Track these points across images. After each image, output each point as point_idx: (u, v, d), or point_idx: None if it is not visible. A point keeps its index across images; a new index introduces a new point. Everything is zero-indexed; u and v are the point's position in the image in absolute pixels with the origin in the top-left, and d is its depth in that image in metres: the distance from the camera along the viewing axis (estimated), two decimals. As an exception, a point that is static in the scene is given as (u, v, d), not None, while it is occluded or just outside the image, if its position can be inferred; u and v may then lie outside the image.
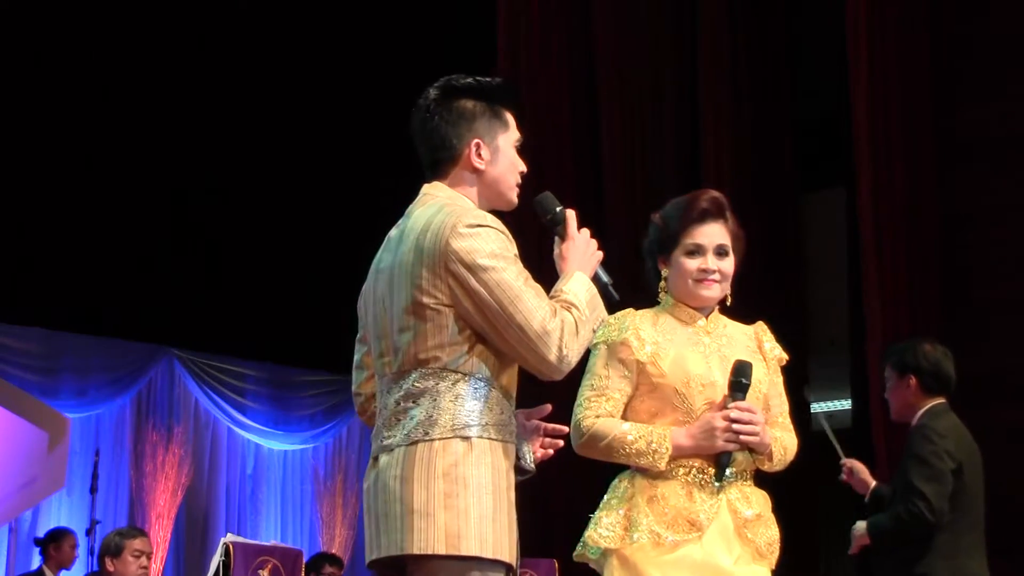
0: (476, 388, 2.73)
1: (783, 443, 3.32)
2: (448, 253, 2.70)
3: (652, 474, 3.22)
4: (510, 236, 2.77)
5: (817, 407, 10.85)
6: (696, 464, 3.22)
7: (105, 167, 10.18)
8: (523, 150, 2.98)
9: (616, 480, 3.34)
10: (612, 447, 3.23)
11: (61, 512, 10.07)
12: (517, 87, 2.96)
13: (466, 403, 2.71)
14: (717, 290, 3.33)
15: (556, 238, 2.97)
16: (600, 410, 3.27)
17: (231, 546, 5.84)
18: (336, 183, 10.75)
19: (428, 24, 10.64)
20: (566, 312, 2.73)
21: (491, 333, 2.71)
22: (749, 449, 3.25)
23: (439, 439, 2.68)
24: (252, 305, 10.67)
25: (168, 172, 10.46)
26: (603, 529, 3.24)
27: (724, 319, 3.42)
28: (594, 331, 2.83)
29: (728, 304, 3.40)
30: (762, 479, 3.38)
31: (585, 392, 3.31)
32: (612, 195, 9.40)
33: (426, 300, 2.72)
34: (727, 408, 3.20)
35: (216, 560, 5.85)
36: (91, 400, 10.59)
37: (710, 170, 8.99)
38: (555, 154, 9.32)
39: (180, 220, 10.65)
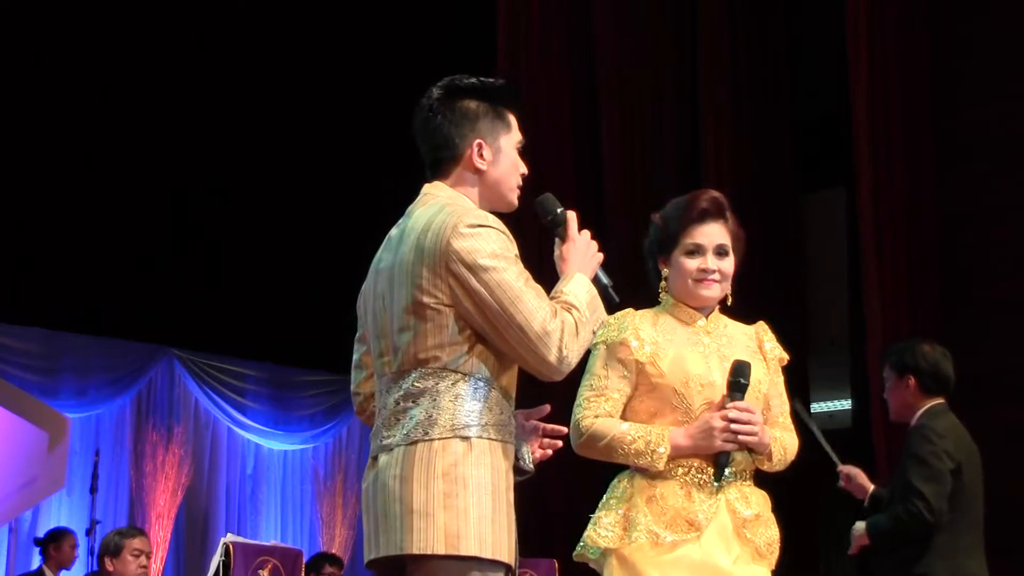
0: (476, 388, 2.73)
1: (783, 443, 3.32)
2: (449, 253, 2.69)
3: (651, 474, 3.22)
4: (511, 236, 2.77)
5: (817, 407, 10.85)
6: (695, 464, 3.22)
7: (105, 167, 10.18)
8: (523, 150, 2.98)
9: (615, 480, 3.34)
10: (611, 447, 3.23)
11: (61, 512, 10.07)
12: (519, 89, 2.96)
13: (466, 403, 2.71)
14: (717, 290, 3.33)
15: (557, 239, 2.97)
16: (599, 410, 3.27)
17: (231, 546, 5.84)
18: (336, 183, 10.75)
19: (428, 24, 10.64)
20: (566, 313, 2.73)
21: (491, 333, 2.71)
22: (748, 449, 3.25)
23: (439, 439, 2.68)
24: (252, 305, 10.67)
25: (168, 172, 10.46)
26: (602, 529, 3.24)
27: (725, 319, 3.42)
28: (594, 332, 2.83)
29: (729, 304, 3.40)
30: (762, 479, 3.38)
31: (584, 392, 3.32)
32: (612, 195, 9.40)
33: (426, 300, 2.72)
34: (726, 408, 3.21)
35: (216, 560, 5.85)
36: (91, 400, 10.59)
37: (710, 170, 8.99)
38: (555, 154, 9.32)
39: (180, 220, 10.65)
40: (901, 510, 4.60)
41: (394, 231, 2.89)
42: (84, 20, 9.99)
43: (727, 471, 3.22)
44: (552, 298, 2.77)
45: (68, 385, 10.49)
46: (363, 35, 10.87)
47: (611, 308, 3.03)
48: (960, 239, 7.94)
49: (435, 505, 2.64)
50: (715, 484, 3.21)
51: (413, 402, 2.73)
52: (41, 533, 9.18)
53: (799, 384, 6.80)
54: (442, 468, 2.66)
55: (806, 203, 9.69)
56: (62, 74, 10.00)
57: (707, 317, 3.37)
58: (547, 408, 3.01)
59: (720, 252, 3.32)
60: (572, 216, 2.97)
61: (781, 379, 3.43)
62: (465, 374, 2.72)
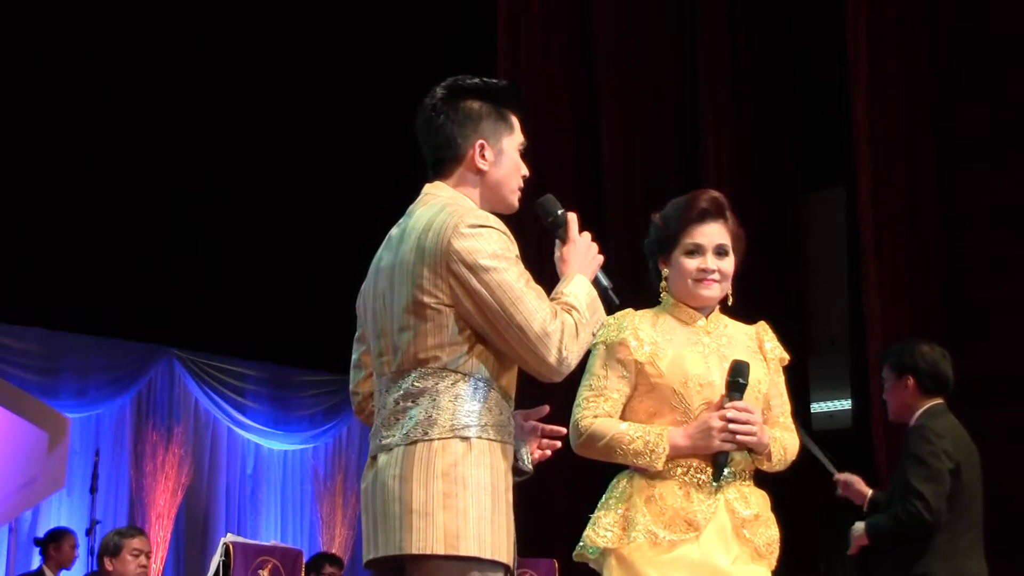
0: (475, 388, 2.73)
1: (783, 443, 3.32)
2: (450, 253, 2.69)
3: (650, 474, 3.23)
4: (512, 237, 2.77)
5: (817, 407, 10.85)
6: (694, 464, 3.22)
7: (105, 167, 10.19)
8: (524, 151, 2.98)
9: (615, 480, 3.34)
10: (610, 447, 3.24)
11: (61, 512, 10.07)
12: (520, 91, 2.94)
13: (465, 403, 2.71)
14: (717, 290, 3.33)
15: (557, 241, 2.97)
16: (598, 410, 3.28)
17: (231, 546, 5.84)
18: (336, 183, 10.75)
19: (428, 24, 10.64)
20: (566, 314, 2.73)
21: (491, 334, 2.71)
22: (748, 449, 3.25)
23: (438, 439, 2.68)
24: (252, 305, 10.67)
25: (168, 172, 10.46)
26: (601, 529, 3.25)
27: (725, 319, 3.42)
28: (593, 334, 2.83)
29: (729, 304, 3.40)
30: (762, 479, 3.38)
31: (584, 392, 3.32)
32: (612, 195, 9.40)
33: (427, 299, 2.72)
34: (724, 408, 3.21)
35: (216, 560, 5.85)
36: (91, 400, 10.59)
37: (710, 170, 9.00)
38: (555, 154, 9.32)
39: (180, 220, 10.65)
40: (900, 510, 4.61)
41: (395, 230, 2.89)
42: (84, 20, 9.99)
43: (726, 471, 3.22)
44: (552, 299, 2.77)
45: (68, 385, 10.49)
46: (363, 35, 10.87)
47: (611, 310, 3.04)
48: (960, 239, 7.94)
49: (434, 505, 2.63)
50: (714, 484, 3.21)
51: (413, 402, 2.73)
52: (41, 533, 9.18)
53: (799, 384, 6.80)
54: (442, 468, 2.66)
55: (806, 203, 9.69)
56: (62, 74, 10.00)
57: (707, 317, 3.37)
58: (546, 409, 3.01)
59: (720, 252, 3.32)
60: (573, 218, 2.97)
61: (782, 379, 3.42)
62: (465, 374, 2.72)
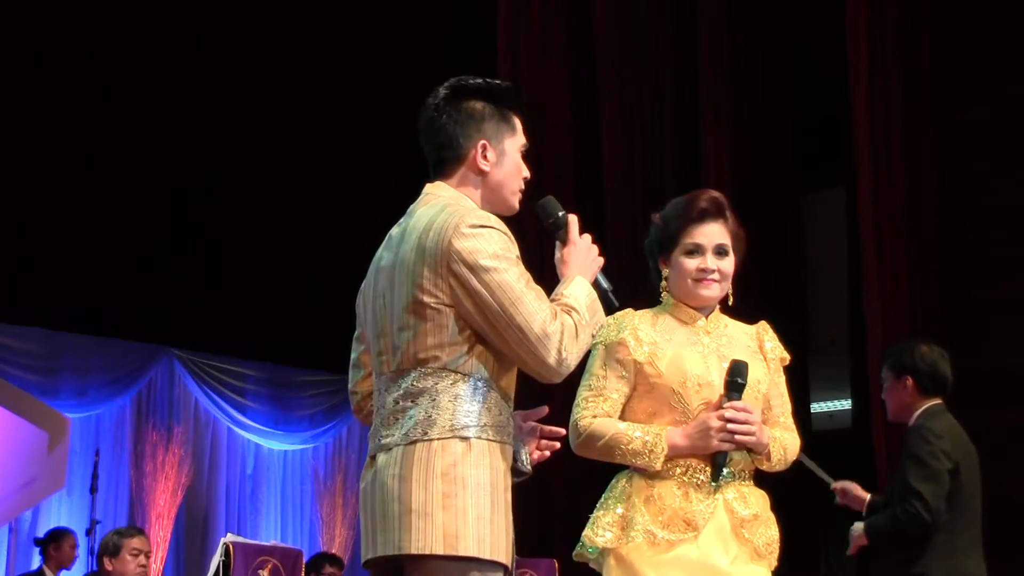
0: (475, 389, 2.72)
1: (783, 443, 3.32)
2: (450, 253, 2.69)
3: (649, 474, 3.23)
4: (512, 238, 2.76)
5: (817, 407, 10.85)
6: (693, 464, 3.22)
7: (105, 167, 10.19)
8: (525, 153, 2.97)
9: (614, 480, 3.34)
10: (609, 447, 3.24)
11: (61, 512, 10.07)
12: (520, 91, 2.94)
13: (465, 404, 2.71)
14: (717, 289, 3.33)
15: (557, 243, 2.97)
16: (597, 410, 3.28)
17: (231, 546, 5.85)
18: (336, 183, 10.75)
19: (428, 24, 10.64)
20: (566, 315, 2.73)
21: (491, 334, 2.71)
22: (747, 449, 3.25)
23: (437, 439, 2.68)
24: (252, 305, 10.67)
25: (168, 172, 10.46)
26: (600, 528, 3.25)
27: (725, 319, 3.42)
28: (593, 335, 2.83)
29: (730, 304, 3.40)
30: (762, 479, 3.37)
31: (583, 392, 3.32)
32: (612, 195, 9.40)
33: (427, 299, 2.72)
34: (723, 408, 3.21)
35: (216, 560, 5.85)
36: (91, 400, 10.59)
37: (710, 170, 9.00)
38: (555, 154, 9.32)
39: (180, 220, 10.65)
40: (899, 510, 4.61)
41: (395, 230, 2.89)
42: (84, 20, 9.99)
43: (725, 471, 3.22)
44: (552, 300, 2.77)
45: (68, 385, 10.49)
46: (363, 35, 10.87)
47: (611, 312, 3.04)
48: (960, 239, 7.94)
49: (434, 505, 2.63)
50: (713, 484, 3.22)
51: (412, 402, 2.73)
52: (41, 533, 9.18)
53: (799, 384, 6.80)
54: (441, 468, 2.66)
55: (806, 203, 9.69)
56: (62, 74, 10.00)
57: (707, 317, 3.37)
58: (545, 409, 3.01)
59: (720, 252, 3.32)
60: (573, 219, 2.97)
61: (782, 379, 3.42)
62: (464, 374, 2.72)
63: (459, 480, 2.65)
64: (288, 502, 11.81)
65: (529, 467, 2.92)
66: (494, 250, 2.70)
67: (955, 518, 4.61)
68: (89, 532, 8.85)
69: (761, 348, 3.39)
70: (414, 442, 2.69)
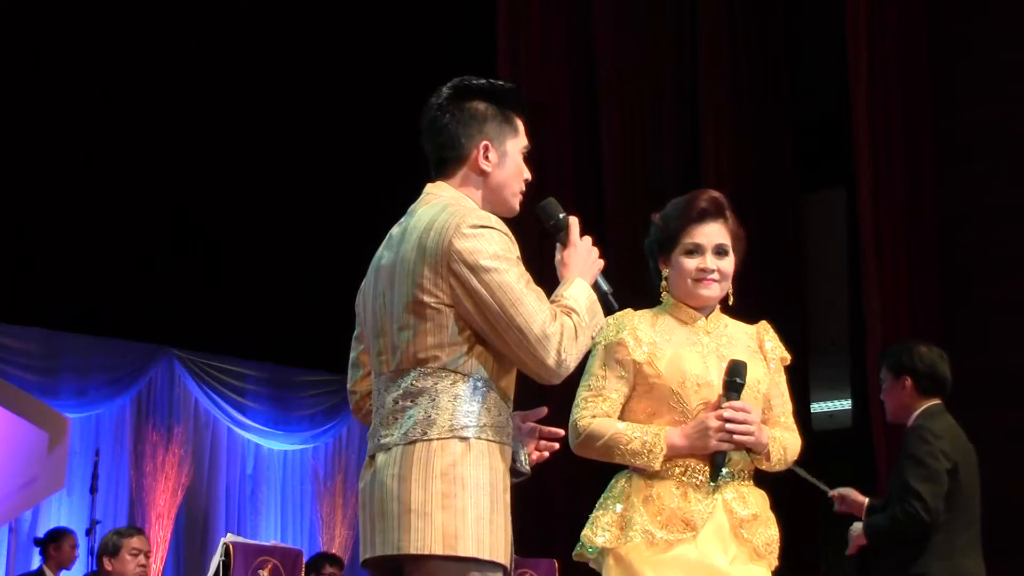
0: (474, 389, 2.72)
1: (783, 443, 3.32)
2: (451, 253, 2.69)
3: (648, 474, 3.23)
4: (513, 238, 2.76)
5: (817, 407, 10.86)
6: (691, 464, 3.22)
7: (105, 167, 10.18)
8: (527, 155, 2.97)
9: (613, 480, 3.35)
10: (608, 447, 3.24)
11: (61, 512, 10.07)
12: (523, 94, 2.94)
13: (464, 404, 2.71)
14: (716, 289, 3.33)
15: (558, 244, 2.97)
16: (596, 410, 3.28)
17: (231, 546, 5.85)
18: (336, 183, 10.75)
19: (428, 24, 10.64)
20: (566, 317, 2.73)
21: (490, 334, 2.71)
22: (747, 449, 3.25)
23: (437, 439, 2.68)
24: (252, 305, 10.67)
25: (168, 172, 10.46)
26: (599, 528, 3.25)
27: (726, 319, 3.42)
28: (593, 338, 2.83)
29: (730, 304, 3.40)
30: (762, 479, 3.37)
31: (582, 392, 3.32)
32: (612, 195, 9.40)
33: (427, 299, 2.71)
34: (721, 408, 3.21)
35: (216, 560, 5.85)
36: (91, 400, 10.59)
37: (710, 170, 9.00)
38: (555, 154, 9.32)
39: (180, 220, 10.65)
40: (898, 510, 4.61)
41: (395, 229, 2.89)
42: (84, 20, 9.99)
43: (724, 471, 3.22)
44: (552, 302, 2.77)
45: (68, 385, 10.49)
46: (363, 35, 10.87)
47: (610, 315, 3.03)
48: (960, 239, 7.95)
49: (433, 505, 2.63)
50: (712, 484, 3.22)
51: (412, 401, 2.73)
52: (41, 533, 9.18)
53: (799, 384, 6.80)
54: (440, 468, 2.66)
55: (806, 203, 9.69)
56: (62, 74, 10.00)
57: (707, 317, 3.37)
58: (544, 410, 3.01)
59: (719, 252, 3.32)
60: (574, 221, 2.97)
61: (783, 379, 3.42)
62: (464, 375, 2.72)
63: (458, 480, 2.65)
64: (288, 502, 11.81)
65: (528, 468, 2.92)
66: (495, 250, 2.70)
67: (954, 518, 4.62)
68: (89, 532, 8.85)
69: (761, 348, 3.39)
70: (413, 442, 2.69)
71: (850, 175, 8.30)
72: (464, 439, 2.68)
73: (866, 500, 4.91)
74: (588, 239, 2.95)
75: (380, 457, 2.74)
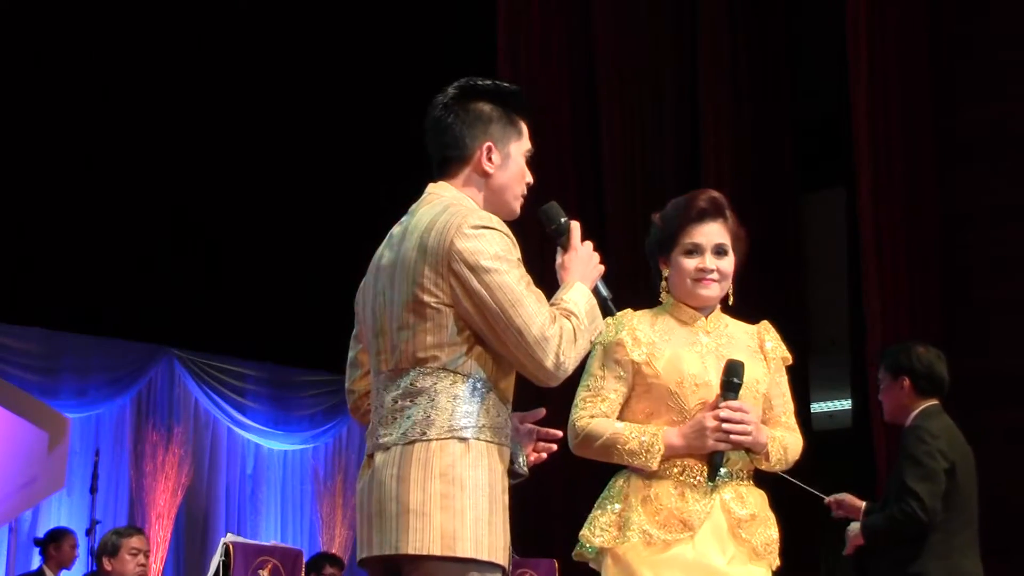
0: (474, 390, 2.72)
1: (783, 443, 3.31)
2: (452, 253, 2.69)
3: (647, 474, 3.23)
4: (514, 239, 2.76)
5: (817, 407, 10.86)
6: (690, 464, 3.22)
7: (105, 167, 10.19)
8: (530, 159, 2.97)
9: (612, 479, 3.35)
10: (606, 447, 3.24)
11: (61, 512, 10.07)
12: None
13: (463, 404, 2.71)
14: (716, 289, 3.33)
15: (559, 248, 2.97)
16: (595, 410, 3.28)
17: (231, 546, 5.85)
18: (336, 183, 10.75)
19: (428, 24, 10.64)
20: (565, 320, 2.73)
21: (489, 335, 2.71)
22: (746, 449, 3.25)
23: (436, 439, 2.68)
24: (252, 305, 10.67)
25: (168, 172, 10.46)
26: (597, 528, 3.26)
27: (726, 318, 3.42)
28: (591, 342, 2.83)
29: (730, 303, 3.40)
30: (762, 479, 3.37)
31: (581, 393, 3.32)
32: (612, 195, 9.41)
33: (427, 298, 2.71)
34: (719, 408, 3.21)
35: (216, 560, 5.85)
36: (91, 400, 10.59)
37: (710, 170, 9.00)
38: (555, 154, 9.32)
39: (180, 220, 10.65)
40: (896, 510, 4.62)
41: (396, 228, 2.88)
42: (84, 20, 9.99)
43: (722, 471, 3.22)
44: (552, 305, 2.76)
45: (68, 385, 10.49)
46: (363, 35, 10.87)
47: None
48: (960, 239, 7.95)
49: (432, 506, 2.63)
50: (710, 484, 3.22)
51: (411, 401, 2.73)
52: (41, 533, 9.18)
53: (799, 384, 6.80)
54: (440, 469, 2.66)
55: (806, 203, 9.69)
56: (62, 74, 10.00)
57: (707, 317, 3.37)
58: (542, 411, 3.01)
59: (719, 251, 3.32)
60: (576, 226, 2.97)
61: (784, 378, 3.42)
62: (464, 375, 2.72)
63: (457, 481, 2.65)
64: (288, 502, 11.81)
65: (526, 469, 2.92)
66: (495, 251, 2.70)
67: (951, 518, 4.62)
68: (89, 532, 8.86)
69: (762, 348, 3.39)
70: (412, 442, 2.69)
71: (850, 175, 8.30)
72: (463, 440, 2.68)
73: (863, 504, 4.92)
74: (589, 244, 2.95)
75: (379, 456, 2.74)
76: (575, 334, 2.73)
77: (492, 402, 2.74)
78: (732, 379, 3.22)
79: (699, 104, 9.26)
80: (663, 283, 3.39)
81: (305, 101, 10.80)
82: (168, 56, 10.38)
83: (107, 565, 5.81)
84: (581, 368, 3.18)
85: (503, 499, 2.72)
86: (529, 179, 2.96)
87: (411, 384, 2.73)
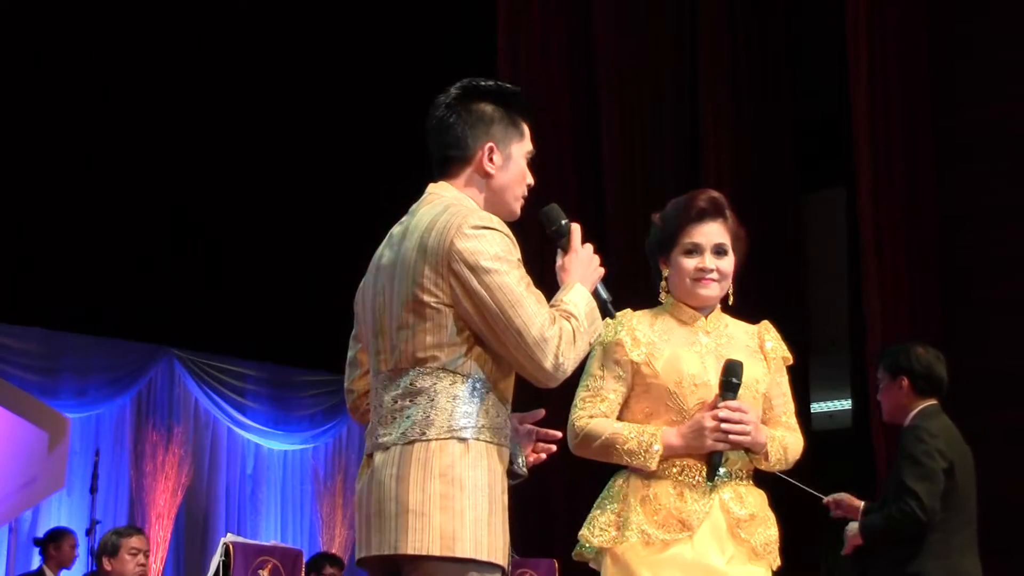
0: (473, 390, 2.72)
1: (783, 442, 3.31)
2: (452, 253, 2.69)
3: (646, 474, 3.23)
4: (515, 240, 2.76)
5: (817, 407, 10.86)
6: (689, 464, 3.23)
7: (105, 167, 10.19)
8: (530, 160, 2.97)
9: (612, 479, 3.35)
10: (605, 447, 3.25)
11: (61, 512, 10.07)
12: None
13: (463, 405, 2.71)
14: (716, 289, 3.33)
15: (559, 250, 2.97)
16: (594, 410, 3.28)
17: (231, 546, 5.85)
18: (336, 183, 10.75)
19: (428, 24, 10.65)
20: (565, 321, 2.73)
21: (489, 336, 2.71)
22: (745, 448, 3.25)
23: (436, 439, 2.68)
24: (252, 305, 10.67)
25: (168, 172, 10.46)
26: (596, 528, 3.26)
27: (726, 318, 3.42)
28: (591, 344, 2.83)
29: (730, 303, 3.41)
30: (762, 478, 3.37)
31: (581, 393, 3.33)
32: (612, 195, 9.40)
33: (427, 298, 2.71)
34: (717, 407, 3.21)
35: (216, 560, 5.85)
36: (91, 400, 10.59)
37: (710, 170, 9.00)
38: (555, 154, 9.31)
39: (180, 220, 10.66)
40: (894, 509, 4.63)
41: (396, 228, 2.88)
42: (84, 20, 9.99)
43: (721, 471, 3.22)
44: (552, 306, 2.76)
45: (68, 385, 10.49)
46: (363, 35, 10.87)
47: (607, 323, 3.03)
48: (960, 239, 7.95)
49: (431, 506, 2.63)
50: (708, 484, 3.22)
51: (411, 401, 2.73)
52: (41, 533, 9.18)
53: (799, 384, 6.80)
54: (439, 469, 2.66)
55: (806, 203, 9.69)
56: (62, 74, 10.01)
57: (707, 317, 3.37)
58: (542, 412, 3.01)
59: (718, 251, 3.32)
60: (576, 228, 2.96)
61: (785, 378, 3.42)
62: (463, 375, 2.72)
63: (457, 481, 2.65)
64: (288, 502, 11.81)
65: (525, 470, 2.92)
66: (496, 252, 2.70)
67: (950, 517, 4.63)
68: (89, 532, 8.86)
69: (762, 347, 3.39)
70: (412, 442, 2.69)
71: (850, 175, 8.30)
72: (462, 440, 2.68)
73: (861, 504, 4.92)
74: (589, 246, 2.95)
75: (378, 456, 2.74)
76: (574, 335, 2.73)
77: (491, 402, 2.74)
78: (731, 379, 3.22)
79: (699, 104, 9.26)
80: (663, 283, 3.39)
81: (305, 101, 10.80)
82: (168, 56, 10.38)
83: (107, 565, 5.81)
84: (581, 368, 3.18)
85: (502, 499, 2.72)
86: (530, 180, 2.96)
87: (411, 384, 2.73)
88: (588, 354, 3.30)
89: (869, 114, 7.95)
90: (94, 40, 10.05)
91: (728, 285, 3.36)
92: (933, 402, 4.82)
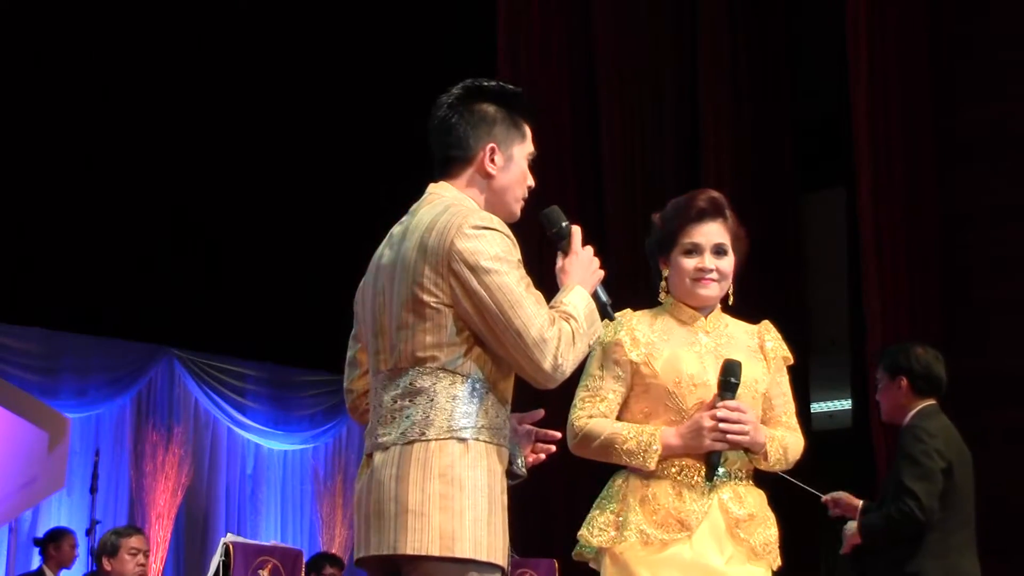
0: (473, 390, 2.72)
1: (783, 442, 3.31)
2: (452, 253, 2.69)
3: (645, 474, 3.23)
4: (515, 241, 2.76)
5: (817, 407, 10.86)
6: (688, 464, 3.23)
7: (105, 167, 10.19)
8: (532, 163, 2.97)
9: (611, 479, 3.35)
10: (604, 447, 3.25)
11: (61, 512, 10.07)
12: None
13: (463, 405, 2.71)
14: (715, 289, 3.33)
15: (559, 252, 2.97)
16: (594, 411, 3.29)
17: (231, 546, 5.85)
18: (336, 183, 10.75)
19: (428, 24, 10.65)
20: (564, 322, 2.73)
21: (488, 336, 2.71)
22: (744, 448, 3.25)
23: (435, 440, 2.68)
24: (252, 305, 10.67)
25: (168, 172, 10.46)
26: (595, 528, 3.27)
27: (726, 318, 3.42)
28: (590, 345, 2.83)
29: (730, 303, 3.41)
30: (762, 479, 3.37)
31: (580, 393, 3.33)
32: (612, 195, 9.40)
33: (427, 298, 2.71)
34: (716, 407, 3.21)
35: (216, 560, 5.85)
36: (91, 400, 10.59)
37: (710, 170, 9.00)
38: (555, 154, 9.31)
39: (180, 220, 10.66)
40: (893, 509, 4.63)
41: (397, 228, 2.88)
42: (84, 20, 9.99)
43: (720, 471, 3.23)
44: (551, 308, 2.76)
45: (68, 385, 10.49)
46: (363, 35, 10.87)
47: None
48: (960, 239, 7.95)
49: (431, 506, 2.63)
50: (707, 484, 3.22)
51: (410, 401, 2.73)
52: (41, 533, 9.18)
53: (799, 384, 6.80)
54: (439, 469, 2.66)
55: (806, 203, 9.69)
56: (62, 74, 10.01)
57: (707, 316, 3.37)
58: (541, 412, 3.01)
59: (718, 251, 3.32)
60: (576, 230, 2.96)
61: (785, 378, 3.42)
62: (463, 375, 2.72)
63: (456, 482, 2.65)
64: (288, 502, 11.81)
65: (524, 470, 2.92)
66: (496, 252, 2.70)
67: (949, 517, 4.63)
68: (89, 532, 8.86)
69: (762, 347, 3.39)
70: (412, 442, 2.69)
71: (850, 175, 8.30)
72: (462, 440, 2.68)
73: (860, 503, 4.92)
74: (590, 249, 2.95)
75: (378, 456, 2.74)
76: (574, 337, 2.73)
77: (491, 403, 2.74)
78: (729, 379, 3.22)
79: (699, 104, 9.26)
80: (663, 283, 3.39)
81: (305, 101, 10.80)
82: (168, 56, 10.38)
83: (107, 565, 5.81)
84: (580, 368, 3.18)
85: (502, 500, 2.72)
86: (531, 182, 2.96)
87: (410, 384, 2.73)
88: (587, 354, 3.31)
89: (869, 114, 7.95)
90: (94, 40, 10.05)
91: (728, 285, 3.36)
92: (932, 402, 4.83)
